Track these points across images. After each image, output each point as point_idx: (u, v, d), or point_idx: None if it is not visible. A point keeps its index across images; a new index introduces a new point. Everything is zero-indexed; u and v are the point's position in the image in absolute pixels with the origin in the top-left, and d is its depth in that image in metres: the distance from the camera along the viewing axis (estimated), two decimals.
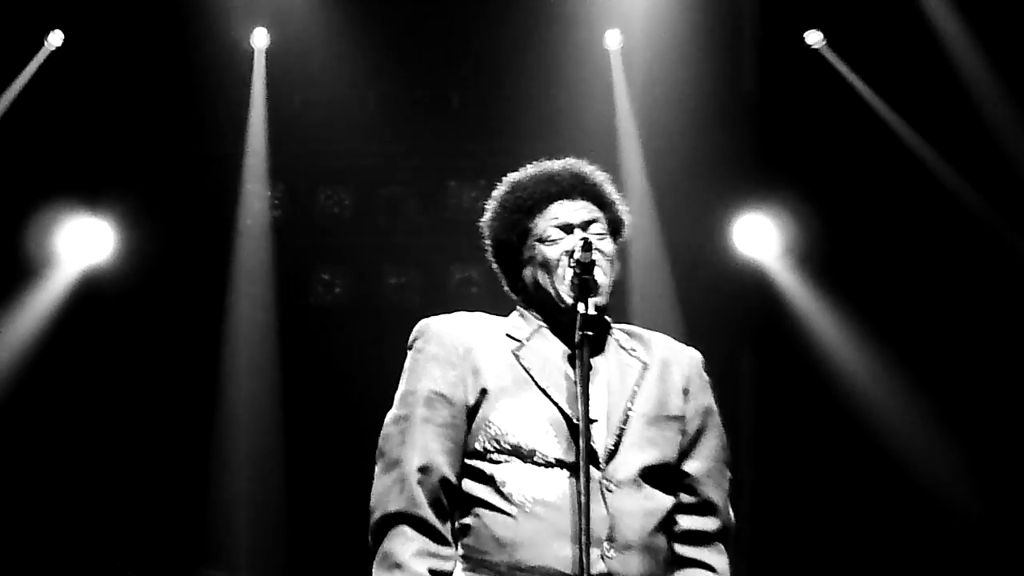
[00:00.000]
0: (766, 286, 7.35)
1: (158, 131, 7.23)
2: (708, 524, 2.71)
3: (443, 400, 2.64)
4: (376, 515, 2.55)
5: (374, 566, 2.51)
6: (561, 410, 2.59)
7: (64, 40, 7.12)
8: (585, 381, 2.52)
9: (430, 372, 2.66)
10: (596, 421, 2.57)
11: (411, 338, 2.70)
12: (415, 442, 2.60)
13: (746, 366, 7.15)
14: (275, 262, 7.42)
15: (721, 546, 2.71)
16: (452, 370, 2.65)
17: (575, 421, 2.54)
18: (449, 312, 2.77)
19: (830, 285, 7.38)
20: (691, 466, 2.70)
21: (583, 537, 2.41)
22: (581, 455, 2.47)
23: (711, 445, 2.73)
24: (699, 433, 2.72)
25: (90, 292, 7.39)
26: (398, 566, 2.48)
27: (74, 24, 7.12)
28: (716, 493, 2.73)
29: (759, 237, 7.24)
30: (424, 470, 2.56)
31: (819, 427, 7.30)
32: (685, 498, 2.70)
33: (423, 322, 2.71)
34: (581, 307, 2.56)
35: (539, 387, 2.62)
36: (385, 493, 2.56)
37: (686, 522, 2.69)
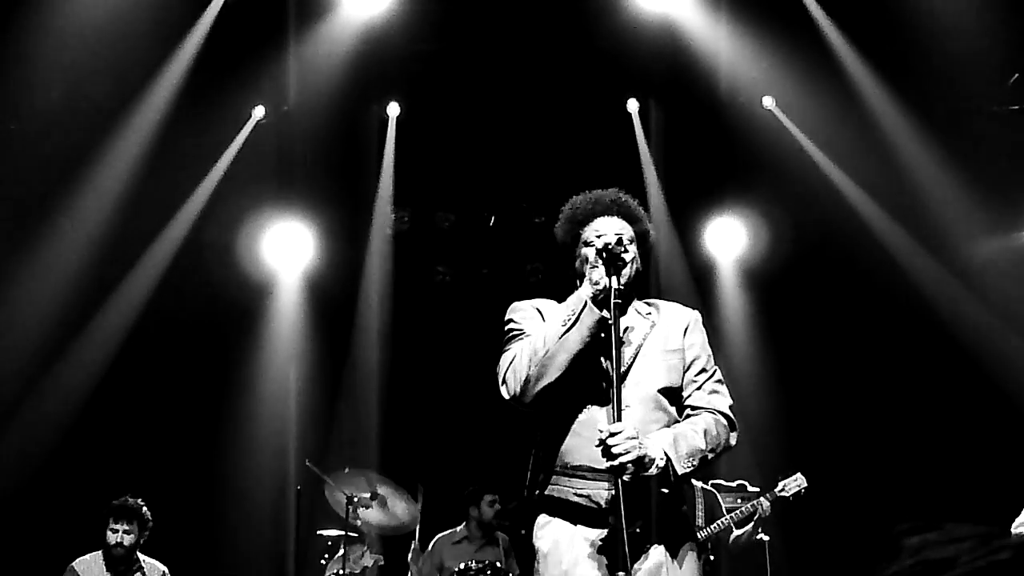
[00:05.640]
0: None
1: None
2: (708, 402, 3.37)
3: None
4: None
5: None
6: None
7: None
8: (618, 335, 3.15)
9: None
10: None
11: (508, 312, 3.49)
12: None
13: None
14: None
15: (717, 412, 3.34)
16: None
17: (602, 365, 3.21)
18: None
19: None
20: (692, 374, 3.38)
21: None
22: (615, 386, 3.11)
23: (702, 360, 3.40)
24: (694, 355, 3.40)
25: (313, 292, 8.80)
26: None
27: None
28: (711, 385, 3.38)
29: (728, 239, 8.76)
30: None
31: None
32: (695, 394, 3.36)
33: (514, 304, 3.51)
34: (613, 281, 3.18)
35: None
36: None
37: (692, 401, 3.37)
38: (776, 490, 6.53)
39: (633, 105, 8.71)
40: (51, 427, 8.07)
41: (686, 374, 3.37)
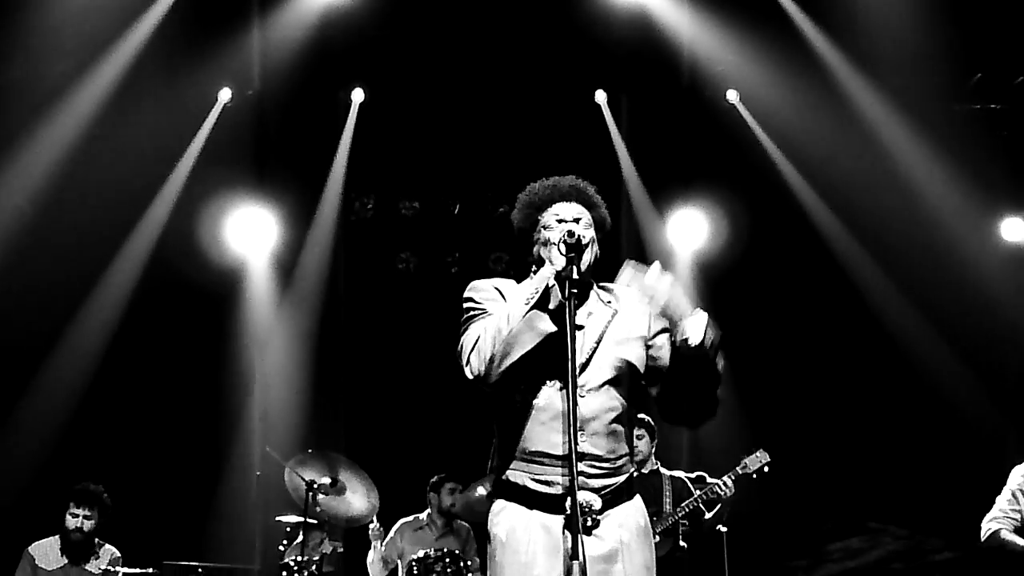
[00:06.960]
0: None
1: None
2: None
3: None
4: None
5: None
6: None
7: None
8: (572, 323, 3.10)
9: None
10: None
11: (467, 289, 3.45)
12: None
13: None
14: None
15: None
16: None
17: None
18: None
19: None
20: (661, 351, 3.34)
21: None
22: (570, 373, 3.05)
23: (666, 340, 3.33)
24: (661, 338, 3.36)
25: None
26: None
27: None
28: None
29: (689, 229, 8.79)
30: None
31: None
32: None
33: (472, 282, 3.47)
34: (573, 271, 3.16)
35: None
36: None
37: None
38: (738, 468, 6.54)
39: (601, 96, 8.71)
40: (9, 413, 8.02)
41: (656, 348, 3.34)
